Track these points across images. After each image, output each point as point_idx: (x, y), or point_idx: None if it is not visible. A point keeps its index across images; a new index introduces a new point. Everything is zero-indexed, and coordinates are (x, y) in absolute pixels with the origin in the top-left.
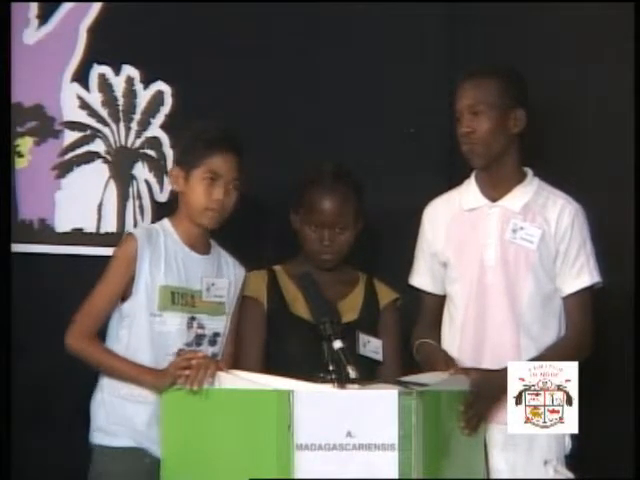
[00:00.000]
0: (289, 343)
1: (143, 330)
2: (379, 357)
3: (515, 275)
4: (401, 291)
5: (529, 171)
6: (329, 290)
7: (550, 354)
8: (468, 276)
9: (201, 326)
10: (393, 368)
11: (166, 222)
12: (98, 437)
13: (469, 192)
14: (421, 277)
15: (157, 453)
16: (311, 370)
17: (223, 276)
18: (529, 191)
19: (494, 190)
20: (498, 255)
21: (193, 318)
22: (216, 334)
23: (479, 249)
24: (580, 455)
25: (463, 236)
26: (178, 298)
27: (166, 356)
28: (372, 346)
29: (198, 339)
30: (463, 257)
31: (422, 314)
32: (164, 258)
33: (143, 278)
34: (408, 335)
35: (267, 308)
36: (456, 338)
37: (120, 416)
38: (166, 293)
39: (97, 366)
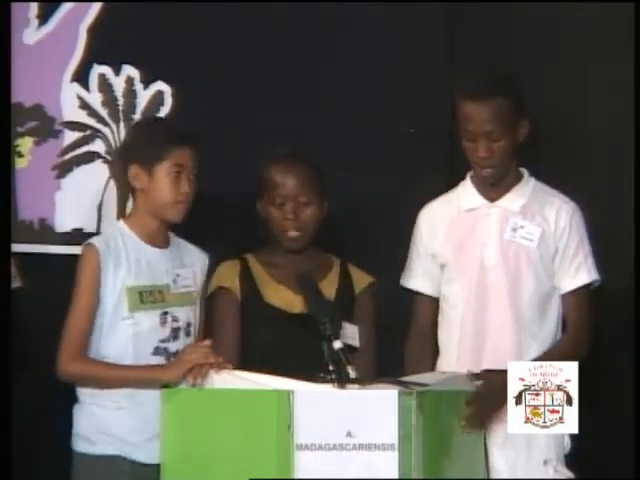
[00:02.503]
0: (261, 332)
1: (117, 336)
2: (355, 343)
3: (516, 274)
4: (401, 292)
5: (525, 172)
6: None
7: (549, 353)
8: (467, 276)
9: (175, 319)
10: (368, 354)
11: (122, 224)
12: (78, 444)
13: (467, 193)
14: (418, 279)
15: (140, 459)
16: (283, 360)
17: (187, 265)
18: (527, 191)
19: (492, 191)
20: (498, 254)
21: (165, 313)
22: (189, 324)
23: (479, 249)
24: (580, 455)
25: (462, 236)
26: (147, 296)
27: (146, 356)
28: (347, 332)
29: (174, 332)
30: (462, 257)
31: (416, 319)
32: (126, 260)
33: (109, 284)
34: (385, 321)
35: (240, 298)
36: (454, 338)
37: (99, 424)
38: (133, 294)
39: (101, 382)
